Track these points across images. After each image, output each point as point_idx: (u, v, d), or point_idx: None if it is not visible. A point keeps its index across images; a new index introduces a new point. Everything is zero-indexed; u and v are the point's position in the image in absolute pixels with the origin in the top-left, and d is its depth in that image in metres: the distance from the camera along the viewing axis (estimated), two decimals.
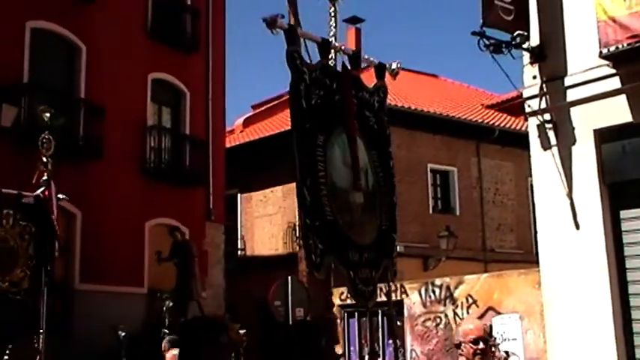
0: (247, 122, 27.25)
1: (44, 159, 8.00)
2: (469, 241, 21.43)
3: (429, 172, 21.66)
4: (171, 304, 14.24)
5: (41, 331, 7.86)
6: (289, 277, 11.54)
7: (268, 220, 23.69)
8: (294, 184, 16.60)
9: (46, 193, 8.02)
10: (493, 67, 7.89)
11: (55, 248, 8.13)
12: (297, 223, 18.58)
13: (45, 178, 7.98)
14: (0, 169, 13.48)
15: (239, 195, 24.44)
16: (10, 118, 12.77)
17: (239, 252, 24.10)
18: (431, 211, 21.51)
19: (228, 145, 22.44)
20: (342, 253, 4.74)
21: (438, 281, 8.56)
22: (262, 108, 28.64)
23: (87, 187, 14.68)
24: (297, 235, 16.39)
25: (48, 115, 8.38)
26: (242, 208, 24.62)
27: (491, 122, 23.05)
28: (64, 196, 8.35)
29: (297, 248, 15.82)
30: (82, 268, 14.84)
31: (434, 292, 8.47)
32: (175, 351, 9.86)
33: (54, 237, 8.16)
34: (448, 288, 8.36)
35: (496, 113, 24.14)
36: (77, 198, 14.70)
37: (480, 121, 22.91)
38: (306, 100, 4.70)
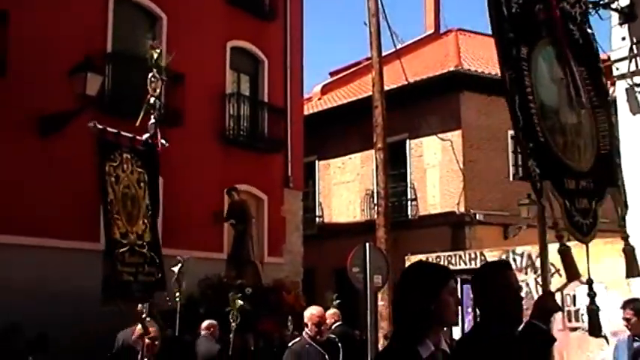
0: (325, 89, 27.22)
1: (151, 99, 7.25)
2: (551, 209, 20.92)
3: (509, 139, 21.18)
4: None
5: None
6: (367, 244, 11.51)
7: (346, 187, 23.73)
8: (371, 151, 16.63)
9: (155, 140, 7.39)
10: None
11: (159, 201, 7.67)
12: (374, 190, 18.50)
13: (152, 121, 7.29)
14: (85, 138, 13.86)
15: (317, 162, 24.54)
16: (95, 86, 13.03)
17: (317, 219, 24.26)
18: (511, 179, 21.08)
19: (306, 113, 22.50)
20: (557, 179, 4.20)
21: (519, 249, 8.36)
22: (340, 75, 28.54)
23: (167, 154, 14.89)
24: (375, 202, 16.32)
25: (156, 52, 7.50)
26: (320, 175, 24.74)
27: None
28: (166, 143, 7.83)
29: (375, 215, 15.74)
30: (164, 233, 15.15)
31: (515, 260, 8.28)
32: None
33: (157, 189, 7.69)
34: (530, 256, 8.15)
35: None
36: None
37: None
38: (506, 8, 4.23)
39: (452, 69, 20.89)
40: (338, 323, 11.98)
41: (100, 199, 6.86)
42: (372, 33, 15.47)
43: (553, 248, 7.88)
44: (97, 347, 9.51)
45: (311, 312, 6.91)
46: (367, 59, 23.85)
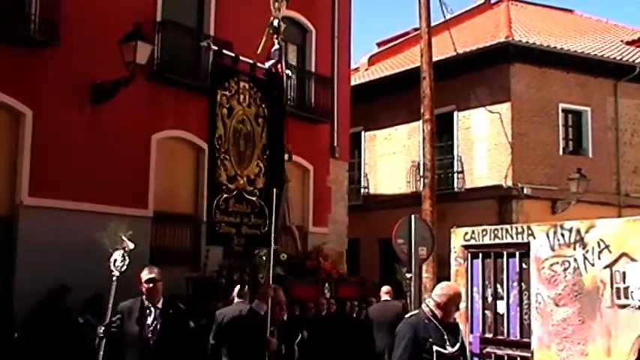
0: (372, 60, 27.05)
1: (274, 21, 6.35)
2: (602, 184, 20.60)
3: (560, 112, 20.82)
4: None
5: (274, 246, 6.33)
6: (412, 216, 11.49)
7: (392, 159, 23.65)
8: (418, 123, 16.58)
9: (278, 67, 6.36)
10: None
11: (285, 138, 6.36)
12: (420, 162, 18.42)
13: (276, 47, 6.41)
14: (136, 105, 14.05)
15: (363, 133, 24.48)
16: (145, 55, 13.16)
17: (362, 190, 24.26)
18: (561, 153, 20.76)
19: (353, 83, 22.39)
20: None
21: (567, 224, 8.23)
22: (387, 46, 28.31)
23: None
24: (421, 174, 16.24)
25: None
26: (366, 146, 24.68)
27: (632, 59, 21.77)
28: (291, 74, 6.83)
29: (421, 187, 15.68)
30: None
31: (563, 235, 8.15)
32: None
33: (284, 124, 6.43)
34: (578, 232, 8.01)
35: (637, 50, 22.81)
36: (205, 132, 15.12)
37: (618, 58, 21.68)
38: None
39: (502, 40, 20.53)
40: (385, 298, 12.05)
41: (207, 133, 5.99)
42: (421, 3, 15.30)
43: (602, 225, 7.78)
44: None
45: (451, 292, 5.88)
46: (415, 30, 23.64)
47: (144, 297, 6.13)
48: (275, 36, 6.21)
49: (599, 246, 7.78)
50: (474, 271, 9.17)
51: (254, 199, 6.05)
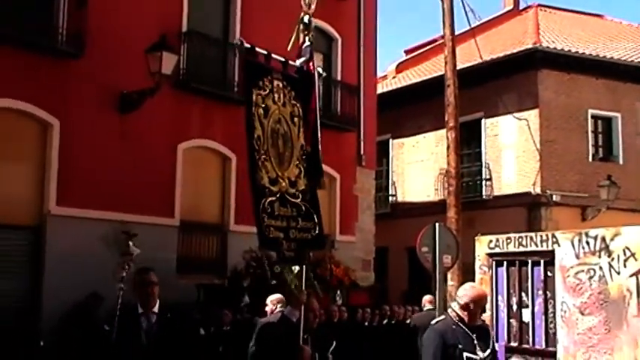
0: (400, 67, 27.00)
1: (305, 18, 6.06)
2: (633, 191, 20.28)
3: (589, 118, 20.57)
4: None
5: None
6: (437, 223, 11.40)
7: (420, 166, 23.55)
8: (445, 130, 16.29)
9: (310, 65, 6.13)
10: None
11: (318, 136, 6.13)
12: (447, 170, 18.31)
13: (307, 43, 6.12)
14: (162, 115, 14.16)
15: (391, 140, 24.43)
16: (170, 65, 13.27)
17: (390, 198, 24.18)
18: (590, 159, 20.50)
19: (381, 91, 22.37)
20: None
21: (592, 232, 8.11)
22: (415, 53, 28.24)
23: (241, 131, 15.01)
24: (447, 181, 16.12)
25: None
26: (394, 154, 24.62)
27: None
28: (323, 72, 6.45)
29: (447, 195, 15.56)
30: (237, 209, 15.37)
31: (588, 243, 8.03)
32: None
33: (316, 126, 6.15)
34: (604, 239, 7.89)
35: None
36: (231, 141, 15.22)
37: None
38: None
39: (530, 46, 20.36)
40: (428, 307, 12.00)
41: (246, 134, 5.63)
42: (445, 10, 15.24)
43: (628, 232, 7.65)
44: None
45: (479, 293, 5.70)
46: (443, 37, 23.52)
47: (137, 302, 5.55)
48: (306, 32, 5.98)
49: (624, 254, 7.65)
50: (498, 279, 9.08)
51: (298, 201, 5.78)
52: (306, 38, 5.99)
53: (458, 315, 5.51)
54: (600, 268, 7.86)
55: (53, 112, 12.70)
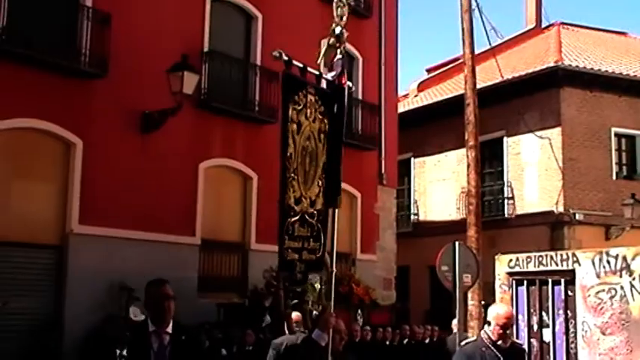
0: (422, 86, 26.99)
1: (337, 29, 5.90)
2: None
3: (612, 136, 20.41)
4: None
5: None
6: (456, 242, 11.35)
7: (442, 185, 23.47)
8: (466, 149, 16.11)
9: (342, 79, 5.93)
10: None
11: (340, 159, 5.85)
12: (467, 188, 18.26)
13: (338, 56, 5.95)
14: (183, 134, 14.28)
15: (412, 159, 24.39)
16: (192, 85, 13.39)
17: (412, 216, 24.10)
18: (614, 178, 20.31)
19: (402, 110, 22.37)
20: None
21: (613, 251, 8.04)
22: (437, 72, 28.24)
23: (262, 150, 15.20)
24: (468, 200, 16.03)
25: None
26: (416, 173, 24.56)
27: None
28: (352, 86, 6.01)
29: (467, 214, 15.49)
30: (258, 228, 15.41)
31: (609, 262, 7.95)
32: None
33: (340, 143, 5.88)
34: (624, 259, 7.81)
35: None
36: (252, 160, 15.31)
37: None
38: None
39: (552, 64, 20.29)
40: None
41: (280, 152, 5.42)
42: (465, 30, 15.23)
43: None
44: None
45: (497, 310, 5.56)
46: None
47: (148, 319, 4.81)
48: (337, 45, 5.79)
49: None
50: (519, 298, 9.02)
51: (313, 221, 5.61)
52: (338, 51, 5.84)
53: (489, 337, 5.38)
54: (621, 287, 7.79)
55: (76, 132, 12.85)
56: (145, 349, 4.63)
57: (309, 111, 5.59)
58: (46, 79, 12.39)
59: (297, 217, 5.52)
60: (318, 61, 6.00)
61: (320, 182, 5.67)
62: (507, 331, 5.38)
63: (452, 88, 24.29)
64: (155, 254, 13.17)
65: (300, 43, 16.93)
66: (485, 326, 5.56)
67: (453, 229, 19.86)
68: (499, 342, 5.32)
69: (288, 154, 5.40)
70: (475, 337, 5.70)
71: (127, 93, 13.42)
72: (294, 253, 5.55)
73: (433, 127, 23.30)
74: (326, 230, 5.76)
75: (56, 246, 12.59)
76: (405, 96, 26.33)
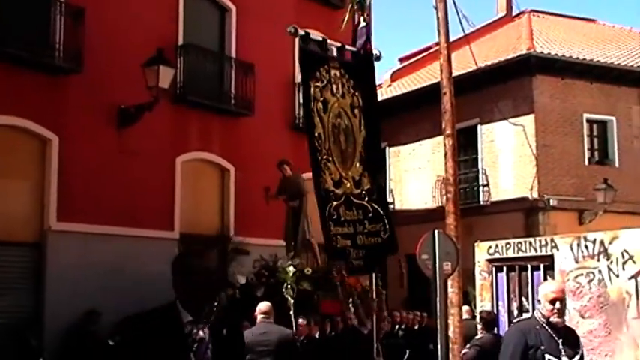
0: (395, 76, 27.06)
1: None
2: (629, 194, 20.35)
3: (584, 123, 20.68)
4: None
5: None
6: (436, 231, 11.42)
7: (417, 174, 23.61)
8: (442, 138, 16.26)
9: (368, 46, 5.40)
10: None
11: (379, 133, 5.30)
12: (444, 177, 18.40)
13: (362, 24, 5.45)
14: (160, 129, 14.24)
15: (388, 149, 24.44)
16: (168, 79, 13.35)
17: (389, 206, 24.18)
18: (587, 163, 20.59)
19: None
20: None
21: (590, 236, 8.19)
22: (409, 61, 28.34)
23: (238, 143, 15.21)
24: (445, 188, 16.14)
25: None
26: (391, 162, 24.64)
27: None
28: (380, 53, 5.70)
29: (445, 202, 15.60)
30: (236, 221, 15.43)
31: (586, 246, 8.11)
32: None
33: (377, 115, 5.24)
34: (602, 243, 7.97)
35: None
36: (229, 153, 15.30)
37: None
38: None
39: (524, 52, 20.47)
40: (466, 317, 12.05)
41: (307, 134, 4.96)
42: (440, 19, 15.23)
43: (625, 235, 7.74)
44: None
45: (545, 286, 5.39)
46: (437, 44, 23.59)
47: (179, 305, 3.31)
48: (360, 13, 5.66)
49: (623, 257, 7.74)
50: (498, 284, 9.17)
51: (364, 202, 5.12)
52: (361, 19, 5.70)
53: (543, 316, 5.10)
54: (599, 271, 7.95)
55: (52, 128, 12.77)
56: (180, 347, 3.27)
57: (335, 86, 5.20)
58: (20, 75, 12.29)
59: (340, 201, 5.10)
60: (342, 29, 5.81)
61: (362, 160, 5.15)
62: (558, 307, 5.04)
63: (425, 77, 24.38)
64: (134, 249, 13.15)
65: (273, 34, 16.96)
66: (537, 304, 5.38)
67: (430, 217, 20.00)
68: (552, 320, 5.05)
69: (317, 134, 5.02)
70: (530, 315, 5.52)
71: (103, 88, 13.35)
72: (344, 239, 5.26)
73: (407, 117, 23.40)
74: (387, 208, 5.55)
75: (35, 243, 12.51)
76: (379, 86, 26.32)
